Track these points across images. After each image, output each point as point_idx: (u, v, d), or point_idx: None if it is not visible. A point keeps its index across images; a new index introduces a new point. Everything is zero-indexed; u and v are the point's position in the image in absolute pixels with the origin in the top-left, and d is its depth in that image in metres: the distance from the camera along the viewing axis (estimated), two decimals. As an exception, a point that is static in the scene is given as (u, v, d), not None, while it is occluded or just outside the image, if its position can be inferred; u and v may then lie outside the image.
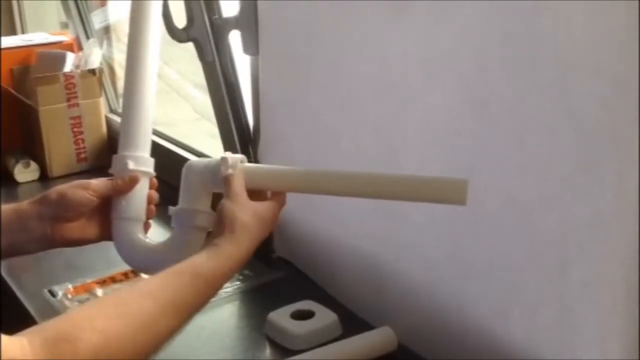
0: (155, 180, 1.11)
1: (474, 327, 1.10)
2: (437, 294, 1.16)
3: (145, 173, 1.08)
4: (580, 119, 0.89)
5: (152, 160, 1.10)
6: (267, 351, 1.26)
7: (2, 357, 0.68)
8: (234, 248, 0.92)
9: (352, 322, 1.30)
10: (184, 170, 1.06)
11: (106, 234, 1.08)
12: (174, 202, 1.07)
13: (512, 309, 1.03)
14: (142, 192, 1.08)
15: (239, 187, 0.97)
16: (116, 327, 0.78)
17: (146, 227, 1.09)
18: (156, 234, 1.11)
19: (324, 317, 1.29)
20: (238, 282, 1.46)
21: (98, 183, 1.06)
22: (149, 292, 0.85)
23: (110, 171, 1.09)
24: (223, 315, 1.38)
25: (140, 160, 1.08)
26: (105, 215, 1.07)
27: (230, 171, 0.99)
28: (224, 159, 1.00)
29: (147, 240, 1.08)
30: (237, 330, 1.37)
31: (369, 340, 1.23)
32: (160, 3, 1.14)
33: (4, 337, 0.70)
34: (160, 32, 1.13)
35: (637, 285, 0.85)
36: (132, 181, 1.06)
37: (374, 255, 1.29)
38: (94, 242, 1.08)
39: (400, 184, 0.94)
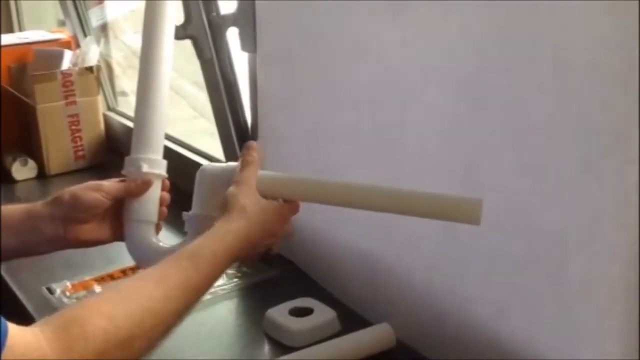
0: (167, 182, 1.12)
1: (473, 324, 1.10)
2: (436, 292, 1.16)
3: (158, 175, 1.09)
4: (579, 117, 0.89)
5: (164, 163, 1.11)
6: (266, 348, 1.26)
7: (18, 346, 0.69)
8: (229, 227, 0.93)
9: (351, 319, 1.30)
10: (197, 175, 1.07)
11: (118, 235, 1.09)
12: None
13: (512, 307, 1.04)
14: (155, 195, 1.09)
15: (250, 175, 0.98)
16: (123, 311, 0.78)
17: (158, 228, 1.10)
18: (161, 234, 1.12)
19: (323, 314, 1.29)
20: (236, 279, 1.46)
21: (111, 185, 1.06)
22: (151, 277, 0.86)
23: (123, 172, 1.09)
24: (221, 312, 1.38)
25: (153, 163, 1.09)
26: (117, 217, 1.08)
27: (250, 158, 1.00)
28: (250, 145, 1.01)
29: (160, 243, 1.08)
30: (235, 327, 1.37)
31: (368, 337, 1.23)
32: (175, 3, 1.14)
33: (17, 328, 0.71)
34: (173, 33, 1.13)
35: (636, 284, 0.85)
36: (146, 184, 1.07)
37: (373, 252, 1.29)
38: (106, 243, 1.09)
39: (415, 200, 0.95)
